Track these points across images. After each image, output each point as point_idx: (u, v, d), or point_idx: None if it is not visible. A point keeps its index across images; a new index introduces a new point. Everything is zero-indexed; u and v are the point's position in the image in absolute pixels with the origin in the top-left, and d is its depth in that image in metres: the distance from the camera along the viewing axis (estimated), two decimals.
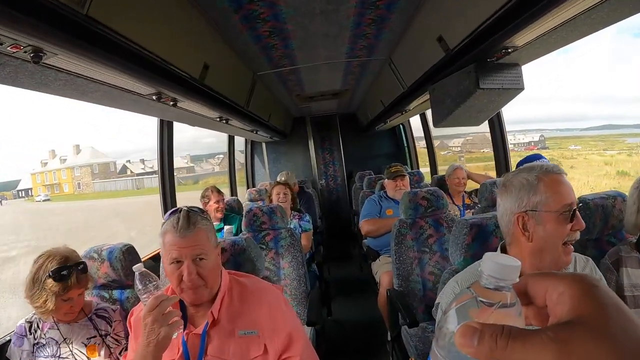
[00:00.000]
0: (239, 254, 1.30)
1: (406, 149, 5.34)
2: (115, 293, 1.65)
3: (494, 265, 0.27)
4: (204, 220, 1.06)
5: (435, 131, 4.97)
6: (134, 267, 0.91)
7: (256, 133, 3.65)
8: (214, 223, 2.90)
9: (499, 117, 2.82)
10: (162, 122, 2.74)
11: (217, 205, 2.81)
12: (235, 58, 2.09)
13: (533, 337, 0.23)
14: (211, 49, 1.78)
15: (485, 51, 1.47)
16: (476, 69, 1.63)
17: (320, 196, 5.18)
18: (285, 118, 4.73)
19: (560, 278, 0.27)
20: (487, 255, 0.28)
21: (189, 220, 1.03)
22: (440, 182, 3.22)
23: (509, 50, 1.44)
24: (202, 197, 2.87)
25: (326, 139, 5.34)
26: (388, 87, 2.91)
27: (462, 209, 2.87)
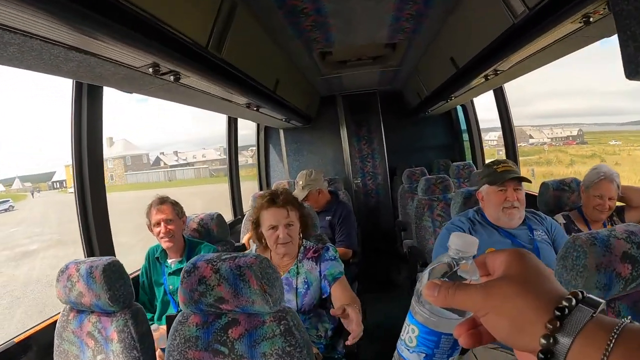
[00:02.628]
0: None
1: (466, 138, 3.98)
2: None
3: (458, 241, 0.35)
4: None
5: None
6: None
7: (257, 110, 2.39)
8: (170, 260, 1.72)
9: None
10: (78, 87, 1.61)
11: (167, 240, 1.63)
12: None
13: (471, 287, 0.32)
14: None
15: None
16: None
17: (355, 200, 3.87)
18: (308, 95, 3.42)
19: (504, 251, 0.34)
20: (454, 233, 0.36)
21: None
22: (557, 194, 1.87)
23: None
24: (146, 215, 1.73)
25: (363, 124, 3.97)
26: (476, 27, 1.62)
27: None
